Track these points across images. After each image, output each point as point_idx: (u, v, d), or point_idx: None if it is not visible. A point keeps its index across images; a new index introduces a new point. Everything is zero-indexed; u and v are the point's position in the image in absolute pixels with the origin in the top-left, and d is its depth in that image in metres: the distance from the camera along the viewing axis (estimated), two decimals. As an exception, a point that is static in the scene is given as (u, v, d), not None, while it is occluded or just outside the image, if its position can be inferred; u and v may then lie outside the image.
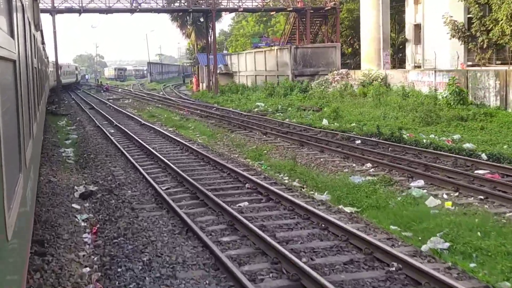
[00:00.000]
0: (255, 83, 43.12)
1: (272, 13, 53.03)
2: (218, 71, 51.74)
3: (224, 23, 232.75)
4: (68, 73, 62.65)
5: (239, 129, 22.20)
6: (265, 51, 43.50)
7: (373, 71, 32.70)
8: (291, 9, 43.17)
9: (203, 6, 43.60)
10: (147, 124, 25.02)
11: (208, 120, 26.17)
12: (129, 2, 39.84)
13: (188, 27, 58.10)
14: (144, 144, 17.36)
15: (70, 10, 39.43)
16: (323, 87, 33.79)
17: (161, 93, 55.22)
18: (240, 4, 43.06)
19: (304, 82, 35.58)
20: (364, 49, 37.11)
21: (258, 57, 44.88)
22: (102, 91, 62.26)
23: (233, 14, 73.83)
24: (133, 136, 19.97)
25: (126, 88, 70.12)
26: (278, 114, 26.70)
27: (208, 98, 41.28)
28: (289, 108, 27.93)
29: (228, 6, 44.33)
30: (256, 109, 29.94)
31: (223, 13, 51.17)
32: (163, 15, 54.47)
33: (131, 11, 40.34)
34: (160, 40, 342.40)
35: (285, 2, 43.69)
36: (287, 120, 23.86)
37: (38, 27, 8.16)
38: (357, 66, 39.54)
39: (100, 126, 24.40)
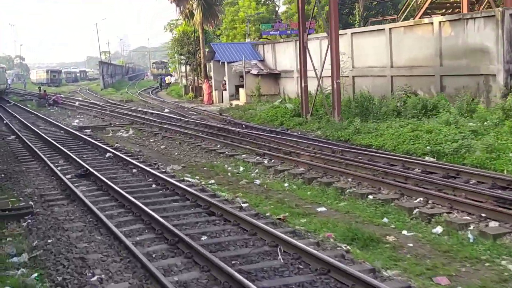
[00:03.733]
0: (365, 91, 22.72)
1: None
2: (247, 71, 31.08)
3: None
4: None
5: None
6: (390, 28, 23.20)
7: None
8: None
9: None
10: None
11: None
12: None
13: (191, 1, 36.71)
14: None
15: None
16: None
17: (155, 108, 33.61)
18: None
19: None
20: None
21: (368, 41, 24.67)
22: (47, 104, 39.45)
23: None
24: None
25: (79, 98, 47.24)
26: None
27: (301, 125, 20.65)
28: None
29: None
30: None
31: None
32: None
33: None
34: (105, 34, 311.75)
35: None
36: None
37: None
38: None
39: None
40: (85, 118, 29.81)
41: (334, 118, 19.50)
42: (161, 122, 23.91)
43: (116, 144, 19.13)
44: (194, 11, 37.66)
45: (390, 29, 23.28)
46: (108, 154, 15.92)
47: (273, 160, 13.77)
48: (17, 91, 69.01)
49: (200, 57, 41.71)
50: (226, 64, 33.88)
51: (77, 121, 28.38)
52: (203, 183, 12.36)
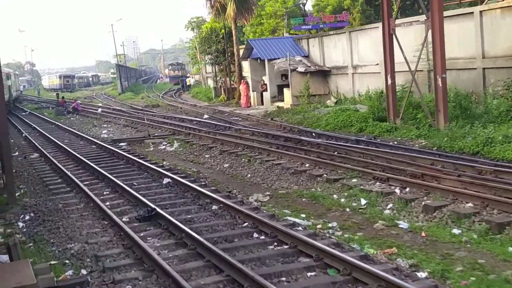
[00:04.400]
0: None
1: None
2: (293, 68, 27.49)
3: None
4: None
5: None
6: (481, 11, 19.27)
7: None
8: None
9: None
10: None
11: None
12: None
13: (224, -7, 33.04)
14: None
15: None
16: None
17: (190, 113, 30.00)
18: None
19: None
20: None
21: (450, 28, 20.76)
22: (66, 112, 35.96)
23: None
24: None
25: (99, 104, 43.80)
26: None
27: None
28: None
29: None
30: None
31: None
32: None
33: None
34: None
35: None
36: None
37: None
38: None
39: None
40: (114, 127, 26.22)
41: (438, 122, 15.66)
42: (208, 131, 20.22)
43: (164, 162, 15.51)
44: (226, 5, 33.91)
45: (480, 12, 19.38)
46: (166, 180, 12.25)
47: (407, 188, 9.95)
48: (30, 98, 65.80)
49: (230, 56, 38.02)
50: (266, 62, 30.14)
51: (105, 131, 24.82)
52: (319, 226, 8.66)
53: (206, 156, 16.17)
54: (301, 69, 28.16)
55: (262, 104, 31.65)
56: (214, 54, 39.87)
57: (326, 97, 27.99)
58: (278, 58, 29.74)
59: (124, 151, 17.22)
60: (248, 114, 26.93)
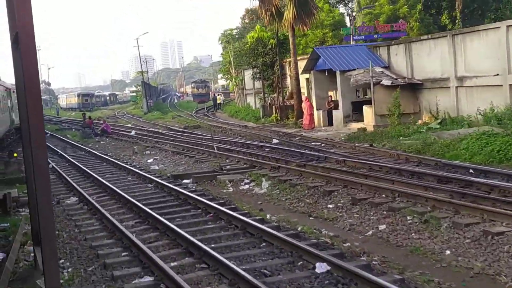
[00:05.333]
0: None
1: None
2: (376, 81, 22.31)
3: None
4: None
5: None
6: None
7: None
8: None
9: None
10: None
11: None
12: None
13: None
14: None
15: None
16: None
17: (249, 137, 24.84)
18: None
19: None
20: None
21: None
22: (94, 134, 31.01)
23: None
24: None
25: (128, 125, 38.93)
26: None
27: None
28: None
29: None
30: None
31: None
32: None
33: None
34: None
35: None
36: None
37: None
38: None
39: None
40: (160, 155, 21.06)
41: None
42: (303, 163, 14.93)
43: (267, 215, 10.29)
44: (280, 9, 28.95)
45: None
46: (321, 267, 6.93)
47: None
48: (48, 117, 61.13)
49: (280, 69, 32.99)
50: (338, 74, 24.95)
51: (152, 160, 19.72)
52: None
53: (330, 206, 10.86)
54: (386, 82, 22.93)
55: (330, 124, 26.37)
56: (261, 67, 34.77)
57: (416, 116, 22.73)
58: (353, 70, 24.59)
59: (199, 195, 12.01)
60: (326, 138, 21.59)
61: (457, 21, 40.93)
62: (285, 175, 13.81)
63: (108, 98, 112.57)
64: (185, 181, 14.52)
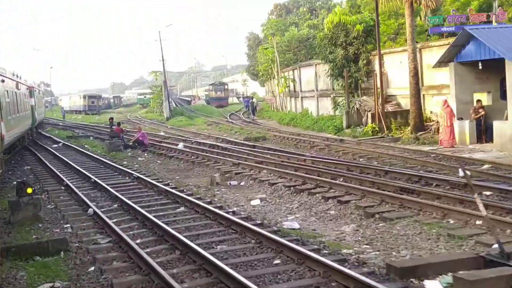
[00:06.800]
0: None
1: None
2: None
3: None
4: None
5: None
6: None
7: None
8: None
9: None
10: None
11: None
12: None
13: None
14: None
15: None
16: None
17: (371, 156, 16.62)
18: None
19: None
20: None
21: None
22: (123, 147, 22.81)
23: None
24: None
25: (161, 133, 30.66)
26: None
27: None
28: None
29: None
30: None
31: None
32: None
33: None
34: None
35: None
36: None
37: None
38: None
39: None
40: (262, 188, 12.79)
41: None
42: None
43: None
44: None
45: None
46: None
47: None
48: (53, 121, 52.66)
49: (366, 63, 24.94)
50: (507, 64, 16.67)
51: (258, 202, 11.43)
52: None
53: None
54: None
55: (481, 141, 18.15)
56: (341, 62, 26.53)
57: None
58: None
59: None
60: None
61: None
62: None
63: (112, 100, 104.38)
64: (427, 284, 6.25)
